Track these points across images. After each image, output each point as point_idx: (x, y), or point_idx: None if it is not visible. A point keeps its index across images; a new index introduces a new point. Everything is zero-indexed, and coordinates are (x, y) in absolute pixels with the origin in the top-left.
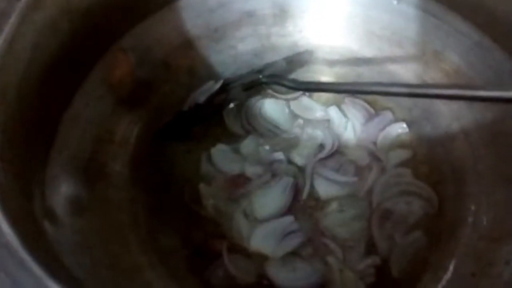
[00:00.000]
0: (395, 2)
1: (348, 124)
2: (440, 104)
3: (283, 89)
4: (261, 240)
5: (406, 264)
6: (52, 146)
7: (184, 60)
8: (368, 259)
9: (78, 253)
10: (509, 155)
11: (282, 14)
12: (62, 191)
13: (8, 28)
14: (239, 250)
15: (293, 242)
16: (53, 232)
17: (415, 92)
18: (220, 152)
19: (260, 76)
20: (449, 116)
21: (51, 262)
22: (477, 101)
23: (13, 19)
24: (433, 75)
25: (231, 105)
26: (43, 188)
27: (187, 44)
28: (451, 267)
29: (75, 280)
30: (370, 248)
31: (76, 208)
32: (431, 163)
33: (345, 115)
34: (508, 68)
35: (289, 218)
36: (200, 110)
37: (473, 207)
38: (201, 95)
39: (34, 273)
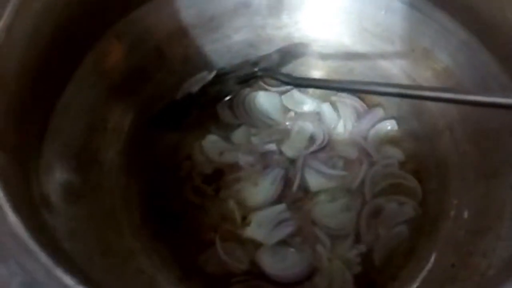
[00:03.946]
0: (382, 12)
1: (339, 120)
2: (428, 101)
3: (276, 81)
4: (255, 227)
5: (388, 255)
6: (45, 134)
7: (178, 48)
8: (355, 248)
9: (72, 240)
10: (491, 152)
11: (278, 6)
12: (56, 178)
13: (7, 14)
14: (231, 237)
15: (285, 230)
16: (49, 220)
17: (404, 93)
18: (211, 143)
19: (256, 70)
20: (436, 113)
21: (55, 249)
22: (463, 105)
23: (11, 7)
24: (422, 73)
25: (226, 98)
26: (38, 175)
27: (182, 32)
28: (432, 258)
29: (77, 266)
30: (357, 238)
31: (69, 196)
32: (418, 158)
33: (336, 111)
34: (492, 69)
35: (282, 207)
36: (193, 99)
37: (455, 201)
38: (195, 84)
39: (42, 262)
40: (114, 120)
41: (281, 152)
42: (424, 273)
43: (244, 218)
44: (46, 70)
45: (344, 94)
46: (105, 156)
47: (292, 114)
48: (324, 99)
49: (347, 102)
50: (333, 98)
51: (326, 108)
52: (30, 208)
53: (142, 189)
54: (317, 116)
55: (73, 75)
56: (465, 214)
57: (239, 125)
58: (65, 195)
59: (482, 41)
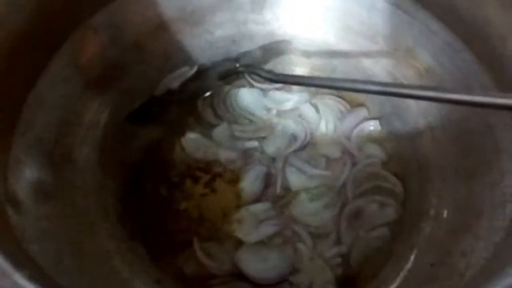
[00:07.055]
0: (366, 11)
1: (321, 119)
2: (410, 101)
3: (258, 78)
4: (236, 225)
5: (368, 255)
6: (16, 128)
7: (158, 42)
8: (336, 248)
9: (43, 240)
10: (471, 152)
11: (261, 1)
12: (26, 176)
13: None
14: (211, 237)
15: (267, 229)
16: (16, 219)
17: (386, 91)
18: (191, 140)
19: (237, 65)
20: (417, 113)
21: (14, 250)
22: (444, 103)
23: None
24: (405, 72)
25: (206, 94)
26: (5, 172)
27: (162, 26)
28: (411, 258)
29: (39, 268)
30: (338, 238)
31: (41, 194)
32: (399, 158)
33: (318, 111)
34: (475, 70)
35: (266, 205)
36: (173, 96)
37: (435, 201)
38: (175, 80)
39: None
40: (89, 116)
41: (262, 150)
42: (404, 272)
43: (224, 215)
44: (16, 61)
45: (326, 94)
46: (79, 153)
47: (274, 111)
48: (306, 98)
49: (330, 102)
50: (316, 97)
51: (307, 108)
52: None
53: (118, 188)
54: (299, 114)
55: (47, 68)
56: (445, 214)
57: (220, 122)
58: (36, 194)
59: (465, 42)
